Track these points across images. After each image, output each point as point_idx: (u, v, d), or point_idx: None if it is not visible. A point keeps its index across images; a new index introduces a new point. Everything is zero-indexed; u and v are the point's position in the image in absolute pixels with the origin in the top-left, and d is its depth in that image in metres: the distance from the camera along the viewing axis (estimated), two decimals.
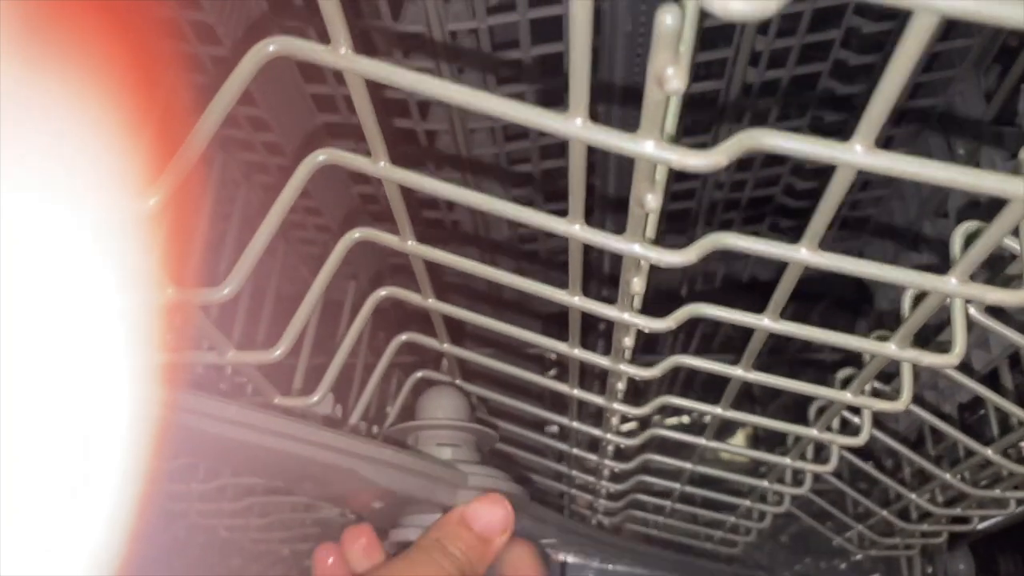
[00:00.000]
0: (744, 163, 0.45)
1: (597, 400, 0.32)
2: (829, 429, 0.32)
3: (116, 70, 0.16)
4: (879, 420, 0.40)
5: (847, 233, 0.51)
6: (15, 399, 0.15)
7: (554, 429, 0.43)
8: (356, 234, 0.24)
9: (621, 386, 0.31)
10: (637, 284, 0.22)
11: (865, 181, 0.47)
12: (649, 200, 0.17)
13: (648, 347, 0.58)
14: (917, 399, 0.35)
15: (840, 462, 0.36)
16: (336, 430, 0.25)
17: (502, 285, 0.24)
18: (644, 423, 0.38)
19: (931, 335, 0.36)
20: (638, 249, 0.20)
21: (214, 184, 0.36)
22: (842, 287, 0.52)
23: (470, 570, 0.26)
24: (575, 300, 0.24)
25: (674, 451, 0.40)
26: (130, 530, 0.17)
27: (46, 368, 0.16)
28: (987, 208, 0.38)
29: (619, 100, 0.39)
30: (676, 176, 0.18)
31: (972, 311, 0.27)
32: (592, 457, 0.41)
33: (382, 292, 0.28)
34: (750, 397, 0.59)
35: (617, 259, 0.21)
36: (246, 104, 0.35)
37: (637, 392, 0.52)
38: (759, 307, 0.23)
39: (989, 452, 0.36)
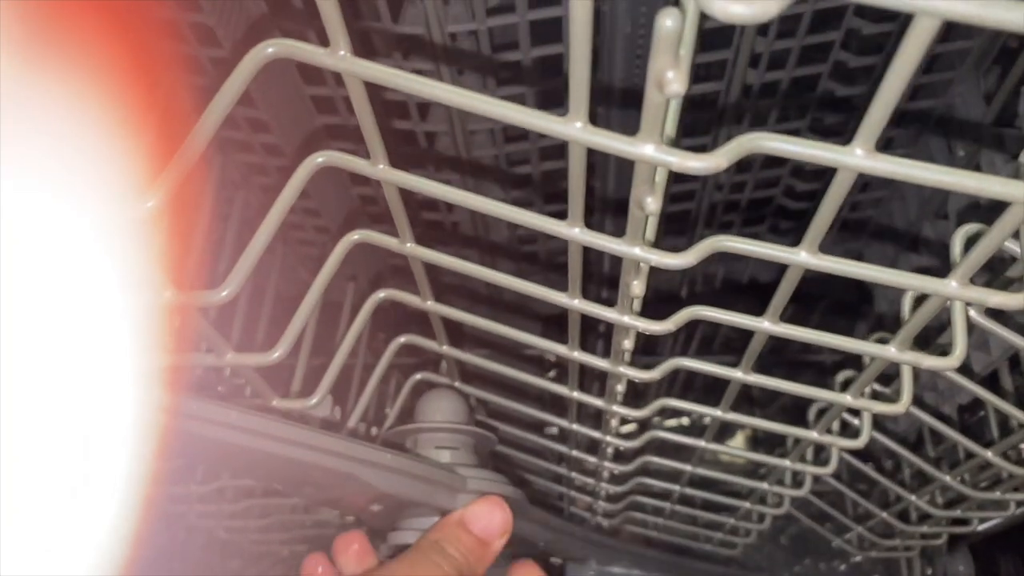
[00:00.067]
0: (744, 165, 0.45)
1: (597, 402, 0.32)
2: (829, 431, 0.32)
3: (116, 72, 0.16)
4: (879, 422, 0.40)
5: (847, 235, 0.51)
6: (15, 401, 0.15)
7: (553, 431, 0.43)
8: (355, 236, 0.24)
9: (621, 388, 0.31)
10: (637, 287, 0.22)
11: (865, 183, 0.47)
12: (649, 203, 0.17)
13: (648, 348, 0.58)
14: (917, 401, 0.35)
15: (840, 464, 0.36)
16: (335, 434, 0.25)
17: (502, 287, 0.24)
18: (644, 425, 0.38)
19: (931, 337, 0.36)
20: (638, 252, 0.20)
21: (213, 186, 0.36)
22: (842, 288, 0.52)
23: (469, 572, 0.26)
24: (575, 303, 0.24)
25: (673, 453, 0.40)
26: (130, 531, 0.17)
27: (46, 370, 0.16)
28: (987, 210, 0.38)
29: (619, 101, 0.39)
30: (676, 178, 0.18)
31: (972, 313, 0.27)
32: (591, 459, 0.41)
33: (381, 294, 0.28)
34: (750, 399, 0.59)
35: (617, 260, 0.21)
36: (245, 105, 0.35)
37: (637, 394, 0.52)
38: (759, 308, 0.23)
39: (989, 454, 0.36)
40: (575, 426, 0.36)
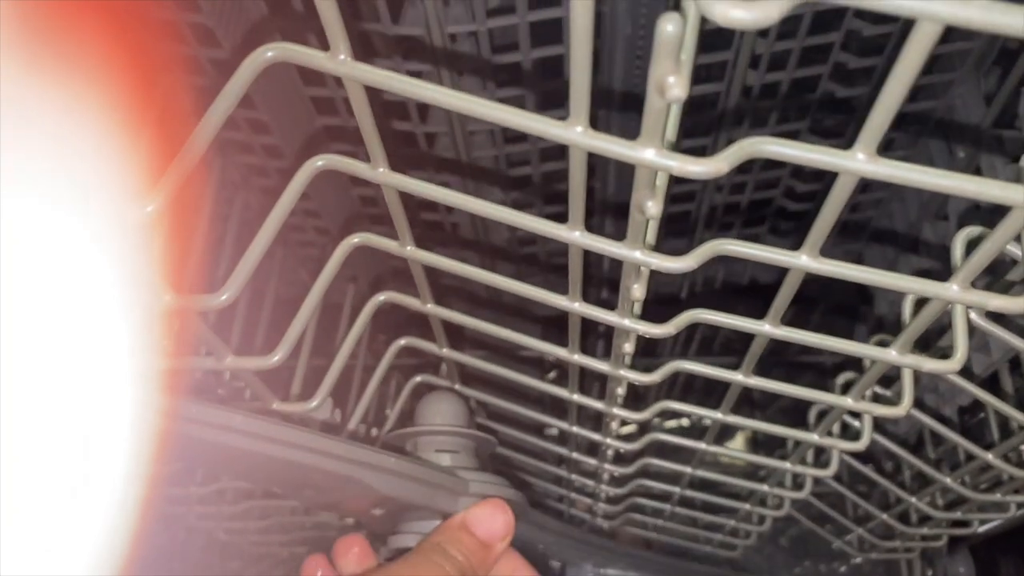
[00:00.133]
0: (744, 166, 0.44)
1: (597, 405, 0.32)
2: (829, 434, 0.32)
3: (115, 73, 0.16)
4: (879, 423, 0.40)
5: (847, 236, 0.51)
6: (15, 403, 0.15)
7: (553, 433, 0.43)
8: (355, 239, 0.24)
9: (621, 391, 0.31)
10: (637, 290, 0.22)
11: (865, 184, 0.47)
12: (650, 207, 0.17)
13: (648, 350, 0.58)
14: (917, 402, 0.35)
15: (840, 465, 0.36)
16: (337, 437, 0.25)
17: (502, 289, 0.24)
18: (643, 427, 0.38)
19: (932, 339, 0.36)
20: (639, 256, 0.20)
21: (213, 188, 0.36)
22: (842, 290, 0.52)
23: (471, 574, 0.26)
24: (575, 306, 0.24)
25: (673, 455, 0.40)
26: (129, 532, 0.17)
27: (46, 373, 0.16)
28: (988, 212, 0.38)
29: (619, 102, 0.39)
30: (676, 179, 0.17)
31: (973, 316, 0.27)
32: (591, 461, 0.41)
33: (381, 297, 0.28)
34: (750, 401, 0.59)
35: (617, 261, 0.21)
36: (245, 107, 0.35)
37: (637, 396, 0.52)
38: (760, 310, 0.23)
39: (989, 456, 0.36)
40: (575, 428, 0.36)
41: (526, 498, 0.31)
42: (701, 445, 0.37)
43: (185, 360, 0.25)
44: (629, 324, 0.24)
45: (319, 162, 0.21)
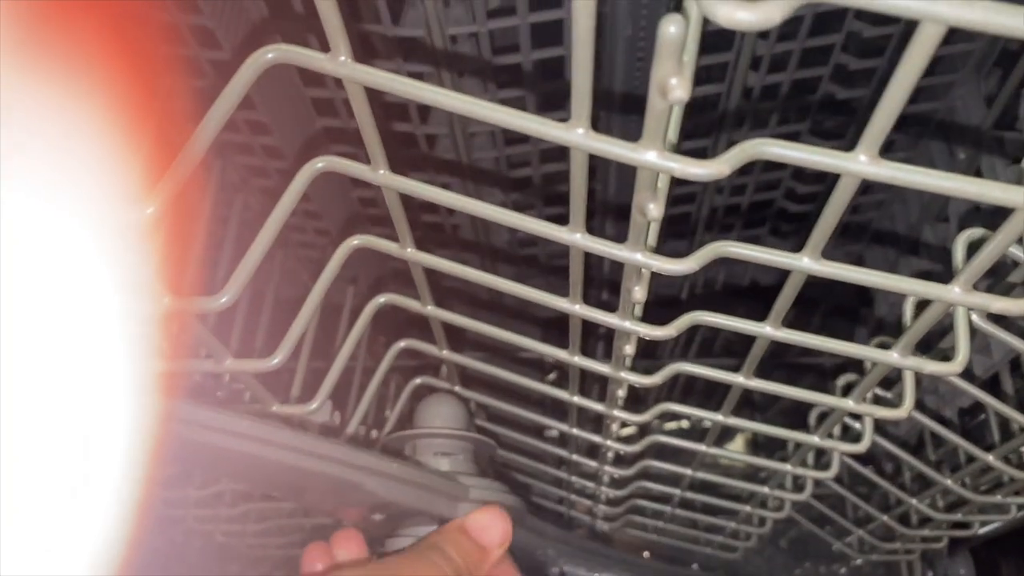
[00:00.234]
0: (745, 168, 0.44)
1: (597, 407, 0.32)
2: (830, 436, 0.32)
3: (114, 75, 0.16)
4: (880, 425, 0.39)
5: (848, 238, 0.51)
6: (15, 405, 0.15)
7: (554, 434, 0.43)
8: (355, 241, 0.24)
9: (621, 392, 0.31)
10: (638, 292, 0.22)
11: (866, 186, 0.47)
12: (651, 209, 0.17)
13: (648, 351, 0.58)
14: (918, 404, 0.35)
15: (840, 467, 0.36)
16: (337, 441, 0.25)
17: (502, 291, 0.24)
18: (644, 429, 0.38)
19: (932, 341, 0.36)
20: (640, 258, 0.20)
21: (212, 189, 0.36)
22: (842, 292, 0.52)
23: (467, 575, 0.26)
24: (576, 308, 0.24)
25: (674, 456, 0.40)
26: (127, 534, 0.17)
27: (45, 376, 0.16)
28: (989, 213, 0.38)
29: (619, 104, 0.39)
30: (677, 181, 0.17)
31: (975, 318, 0.27)
32: (591, 463, 0.40)
33: (381, 299, 0.28)
34: (750, 403, 0.59)
35: (618, 263, 0.21)
36: (245, 108, 0.35)
37: (637, 397, 0.52)
38: (761, 311, 0.23)
39: (990, 458, 0.35)
40: (575, 430, 0.36)
41: (525, 504, 0.31)
42: (701, 447, 0.37)
43: (184, 362, 0.25)
44: (630, 326, 0.24)
45: (319, 164, 0.20)
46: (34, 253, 0.15)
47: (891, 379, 0.35)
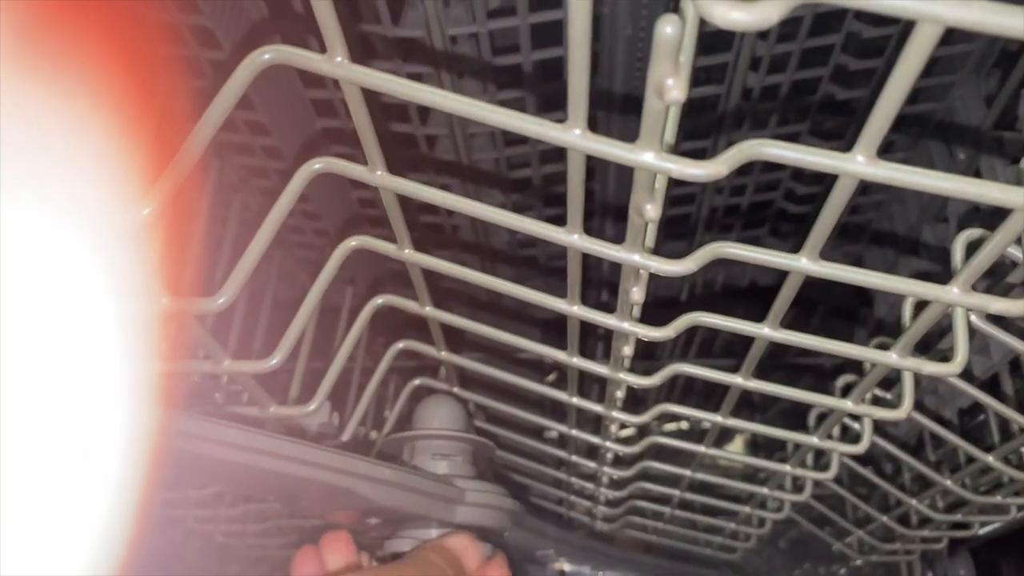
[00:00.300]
0: (745, 168, 0.44)
1: (596, 408, 0.32)
2: (829, 436, 0.32)
3: (113, 75, 0.16)
4: (879, 426, 0.39)
5: (847, 238, 0.51)
6: (14, 406, 0.15)
7: (553, 435, 0.43)
8: (353, 242, 0.24)
9: (620, 394, 0.31)
10: (637, 293, 0.22)
11: (865, 187, 0.47)
12: (649, 210, 0.17)
13: (647, 352, 0.58)
14: (917, 405, 0.35)
15: (840, 467, 0.36)
16: (331, 448, 0.24)
17: (501, 292, 0.24)
18: (642, 430, 0.38)
19: (932, 341, 0.36)
20: (638, 259, 0.19)
21: (210, 190, 0.35)
22: (841, 293, 0.52)
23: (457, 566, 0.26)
24: (574, 309, 0.24)
25: (673, 457, 0.40)
26: (127, 535, 0.17)
27: (43, 378, 0.16)
28: (988, 213, 0.38)
29: (619, 104, 0.39)
30: (676, 182, 0.17)
31: (974, 318, 0.27)
32: (591, 464, 0.40)
33: (379, 300, 0.28)
34: (749, 403, 0.59)
35: (616, 264, 0.21)
36: (244, 108, 0.35)
37: (636, 398, 0.51)
38: (759, 312, 0.23)
39: (990, 458, 0.35)
40: (574, 431, 0.36)
41: (523, 506, 0.31)
42: (700, 448, 0.37)
43: (182, 363, 0.25)
44: (628, 327, 0.24)
45: (316, 165, 0.20)
46: (31, 254, 0.15)
47: (890, 380, 0.35)
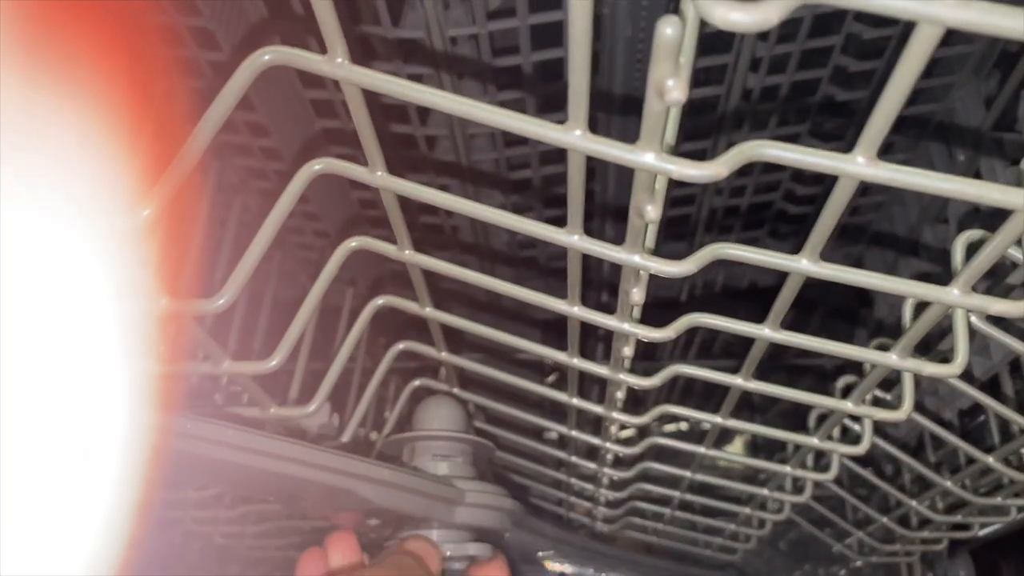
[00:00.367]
0: (744, 169, 0.44)
1: (596, 409, 0.32)
2: (830, 437, 0.32)
3: (112, 77, 0.16)
4: (879, 427, 0.39)
5: (847, 239, 0.51)
6: (13, 408, 0.15)
7: (553, 436, 0.43)
8: (353, 243, 0.24)
9: (620, 395, 0.31)
10: (637, 294, 0.22)
11: (865, 188, 0.47)
12: (649, 211, 0.17)
13: (648, 353, 0.58)
14: (917, 405, 0.35)
15: (840, 468, 0.36)
16: (331, 449, 0.24)
17: (501, 293, 0.24)
18: (643, 431, 0.38)
19: (932, 342, 0.36)
20: (638, 260, 0.19)
21: (210, 191, 0.35)
22: (841, 294, 0.52)
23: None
24: (574, 310, 0.24)
25: (673, 459, 0.40)
26: (126, 536, 0.17)
27: (43, 378, 0.16)
28: (988, 215, 0.38)
29: (619, 105, 0.39)
30: (676, 183, 0.17)
31: (974, 319, 0.27)
32: (591, 465, 0.40)
33: (379, 301, 0.28)
34: (749, 404, 0.59)
35: (616, 265, 0.21)
36: (244, 109, 0.35)
37: (636, 399, 0.51)
38: (760, 313, 0.23)
39: (990, 459, 0.35)
40: (574, 432, 0.36)
41: (523, 507, 0.31)
42: (700, 449, 0.37)
43: (182, 365, 0.25)
44: (628, 328, 0.24)
45: (316, 166, 0.20)
46: (31, 255, 0.15)
47: (890, 381, 0.35)
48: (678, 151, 0.16)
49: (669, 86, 0.13)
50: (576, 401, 0.32)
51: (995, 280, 0.32)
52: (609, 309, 0.24)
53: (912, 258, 0.46)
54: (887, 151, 0.44)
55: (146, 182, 0.18)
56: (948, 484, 0.39)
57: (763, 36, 0.37)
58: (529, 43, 0.35)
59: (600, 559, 0.44)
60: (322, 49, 0.17)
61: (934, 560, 0.52)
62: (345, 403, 0.38)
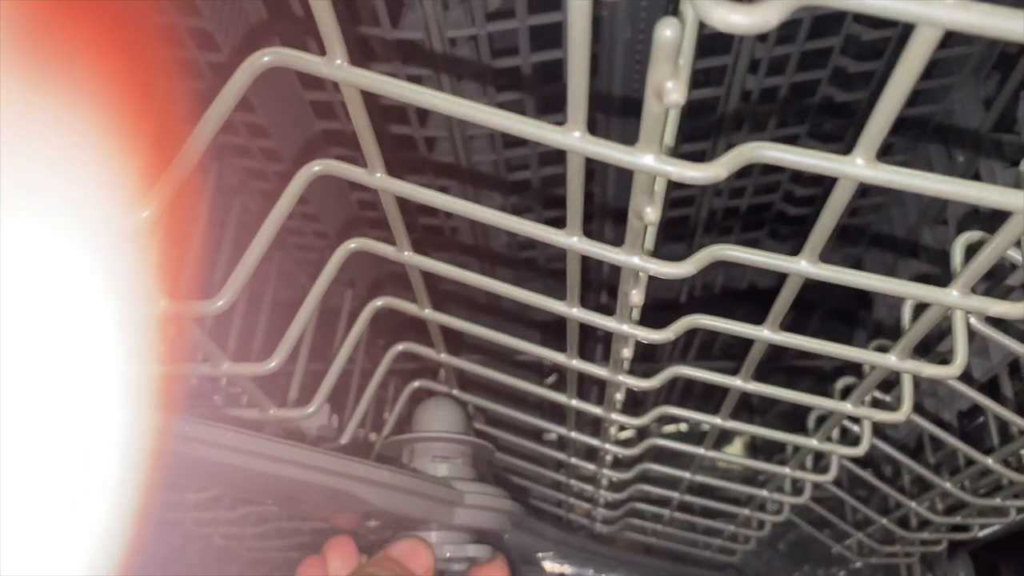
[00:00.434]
0: (744, 170, 0.44)
1: (595, 410, 0.32)
2: (829, 439, 0.32)
3: (111, 78, 0.16)
4: (879, 428, 0.39)
5: (846, 241, 0.51)
6: (12, 410, 0.15)
7: (552, 438, 0.43)
8: (352, 244, 0.24)
9: (620, 396, 0.31)
10: (636, 296, 0.22)
11: (864, 189, 0.47)
12: (648, 212, 0.17)
13: (647, 354, 0.58)
14: (917, 407, 0.35)
15: (839, 470, 0.36)
16: (330, 451, 0.24)
17: (500, 294, 0.24)
18: (642, 432, 0.38)
19: (931, 344, 0.36)
20: (637, 261, 0.20)
21: (210, 192, 0.35)
22: (841, 295, 0.52)
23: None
24: (573, 311, 0.24)
25: (672, 460, 0.40)
26: (127, 538, 0.17)
27: (42, 380, 0.16)
28: (987, 216, 0.38)
29: (618, 107, 0.39)
30: (675, 184, 0.17)
31: (973, 321, 0.27)
32: (590, 466, 0.40)
33: (378, 302, 0.28)
34: (749, 406, 0.59)
35: (616, 266, 0.21)
36: (244, 110, 0.35)
37: (635, 400, 0.51)
38: (759, 314, 0.23)
39: (989, 461, 0.35)
40: (573, 433, 0.36)
41: (522, 507, 0.31)
42: (700, 450, 0.36)
43: (181, 366, 0.25)
44: (628, 330, 0.24)
45: (316, 167, 0.20)
46: (31, 257, 0.15)
47: (890, 382, 0.35)
48: (677, 153, 0.16)
49: (668, 88, 0.13)
50: (575, 402, 0.32)
51: (994, 281, 0.32)
52: (608, 310, 0.24)
53: (911, 259, 0.46)
54: (886, 152, 0.44)
55: (145, 183, 0.18)
56: (947, 485, 0.39)
57: (762, 37, 0.37)
58: (528, 44, 0.35)
59: (599, 560, 0.44)
60: (321, 50, 0.17)
61: (934, 561, 0.52)
62: (344, 404, 0.38)
